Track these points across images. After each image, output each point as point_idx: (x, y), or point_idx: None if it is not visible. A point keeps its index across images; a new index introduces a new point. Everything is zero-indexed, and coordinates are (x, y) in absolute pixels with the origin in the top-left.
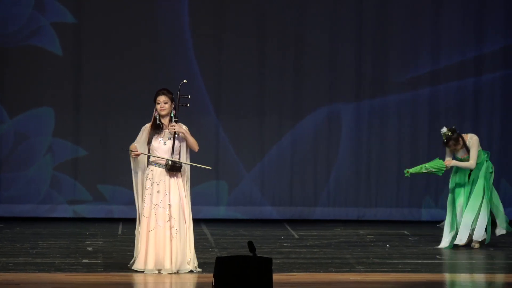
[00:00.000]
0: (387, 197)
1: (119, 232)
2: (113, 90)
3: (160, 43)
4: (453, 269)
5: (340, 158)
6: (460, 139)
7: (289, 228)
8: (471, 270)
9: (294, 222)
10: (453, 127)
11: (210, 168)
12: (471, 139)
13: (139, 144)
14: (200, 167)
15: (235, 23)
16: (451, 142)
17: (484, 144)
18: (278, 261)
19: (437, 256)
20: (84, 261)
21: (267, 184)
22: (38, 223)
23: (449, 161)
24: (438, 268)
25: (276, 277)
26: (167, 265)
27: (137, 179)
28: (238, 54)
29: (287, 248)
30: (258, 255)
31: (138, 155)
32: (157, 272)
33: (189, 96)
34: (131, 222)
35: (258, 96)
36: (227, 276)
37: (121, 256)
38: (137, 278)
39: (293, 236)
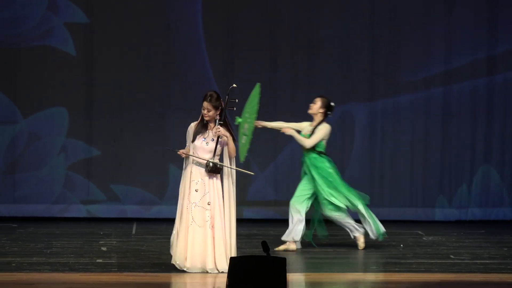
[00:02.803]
0: (400, 196)
1: (133, 232)
2: (126, 89)
3: (173, 42)
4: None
5: (353, 158)
6: (321, 114)
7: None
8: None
9: (309, 222)
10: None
11: (253, 173)
12: (324, 126)
13: (189, 143)
14: (242, 172)
15: (247, 24)
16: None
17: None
18: (293, 261)
19: (451, 256)
20: (98, 261)
21: (280, 184)
22: (52, 223)
23: (288, 129)
24: (452, 268)
25: (290, 276)
26: (209, 265)
27: (185, 179)
28: (251, 55)
29: (301, 248)
30: (272, 255)
31: (185, 155)
32: (198, 271)
33: (236, 100)
34: (144, 222)
35: (271, 95)
36: (241, 276)
37: (135, 256)
38: (151, 278)
39: (308, 236)
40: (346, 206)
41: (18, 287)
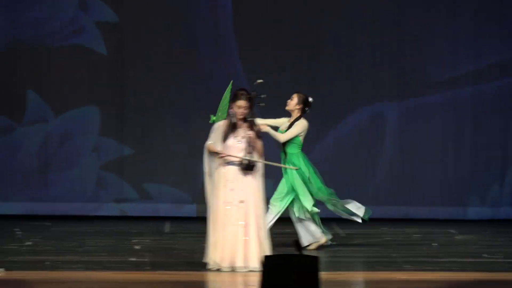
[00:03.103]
0: (432, 195)
1: (166, 230)
2: (157, 88)
3: (203, 40)
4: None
5: (384, 157)
6: (298, 107)
7: (336, 227)
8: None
9: (341, 221)
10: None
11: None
12: (301, 122)
13: (214, 141)
14: (279, 166)
15: (276, 24)
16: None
17: None
18: (325, 259)
19: (484, 255)
20: (131, 259)
21: None
22: (85, 221)
23: (264, 126)
24: (485, 266)
25: (323, 275)
26: (239, 263)
27: (211, 179)
28: (280, 54)
29: (333, 246)
30: (305, 253)
31: (224, 156)
32: (231, 270)
33: (263, 95)
34: (177, 220)
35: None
36: (274, 274)
37: (168, 254)
38: (184, 276)
39: (340, 234)
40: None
41: (51, 285)
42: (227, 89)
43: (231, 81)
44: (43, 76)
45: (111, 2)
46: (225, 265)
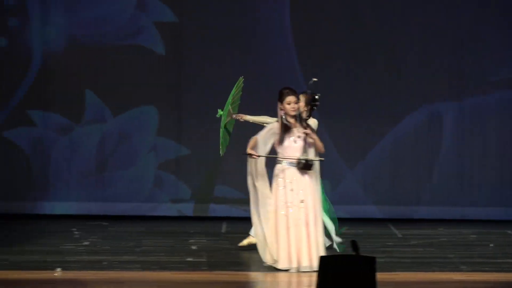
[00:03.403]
0: (489, 196)
1: (223, 230)
2: (214, 88)
3: (262, 40)
4: None
5: (441, 157)
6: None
7: (392, 228)
8: None
9: (397, 221)
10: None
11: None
12: (313, 122)
13: (261, 138)
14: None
15: (331, 23)
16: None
17: None
18: (382, 260)
19: None
20: (188, 259)
21: (369, 183)
22: (142, 221)
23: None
24: None
25: (379, 276)
26: (304, 263)
27: (253, 180)
28: (337, 55)
29: (390, 247)
30: (361, 254)
31: (255, 157)
32: (293, 270)
33: (318, 95)
34: (234, 220)
35: (358, 95)
36: (330, 275)
37: (225, 254)
38: (242, 277)
39: (396, 235)
40: None
41: (109, 285)
42: (236, 84)
43: (241, 77)
44: (101, 76)
45: (170, 2)
46: (287, 265)
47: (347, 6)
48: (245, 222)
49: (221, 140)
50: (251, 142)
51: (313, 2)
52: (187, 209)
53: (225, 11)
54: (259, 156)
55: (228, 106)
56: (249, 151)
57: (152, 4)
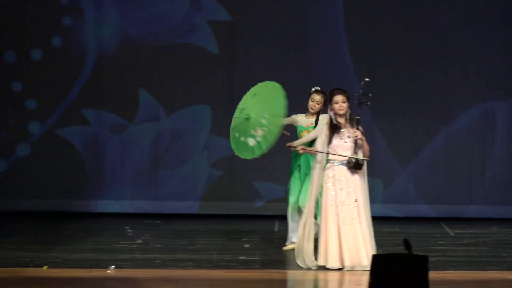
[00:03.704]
0: None
1: (276, 229)
2: None
3: (314, 40)
4: None
5: (495, 156)
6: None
7: (445, 226)
8: None
9: (450, 220)
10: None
11: (368, 158)
12: (323, 117)
13: (320, 146)
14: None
15: (384, 23)
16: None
17: None
18: (434, 259)
19: None
20: (241, 258)
21: (422, 182)
22: (195, 220)
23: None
24: None
25: (432, 275)
26: (364, 261)
27: (316, 177)
28: (390, 54)
29: (443, 246)
30: (414, 253)
31: (302, 151)
32: (348, 269)
33: (370, 94)
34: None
35: (411, 94)
36: (383, 273)
37: (277, 253)
38: (295, 275)
39: (449, 234)
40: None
41: (162, 283)
42: (272, 88)
43: (279, 85)
44: (155, 75)
45: (225, 2)
46: (337, 264)
47: (401, 6)
48: None
49: (258, 153)
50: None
51: (367, 1)
52: (240, 207)
53: (279, 11)
54: (305, 150)
55: (279, 120)
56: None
57: (206, 3)
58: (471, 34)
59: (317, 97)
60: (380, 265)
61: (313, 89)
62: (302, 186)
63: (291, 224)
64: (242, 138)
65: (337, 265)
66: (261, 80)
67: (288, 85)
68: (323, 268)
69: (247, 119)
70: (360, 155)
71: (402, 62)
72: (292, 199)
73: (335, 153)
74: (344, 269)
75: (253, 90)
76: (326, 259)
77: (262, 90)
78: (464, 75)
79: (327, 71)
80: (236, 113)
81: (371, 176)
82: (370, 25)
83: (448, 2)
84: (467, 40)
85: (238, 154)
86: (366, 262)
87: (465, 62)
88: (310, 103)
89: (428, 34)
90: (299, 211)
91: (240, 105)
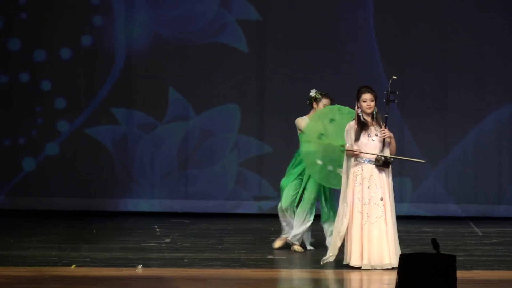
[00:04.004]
0: None
1: None
2: (297, 87)
3: (345, 39)
4: None
5: None
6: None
7: (473, 226)
8: None
9: (478, 219)
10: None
11: (423, 161)
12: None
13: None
14: (413, 161)
15: (415, 23)
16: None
17: None
18: (462, 258)
19: None
20: (269, 257)
21: (451, 181)
22: (224, 218)
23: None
24: None
25: (460, 274)
26: (386, 260)
27: (348, 178)
28: (419, 54)
29: (471, 245)
30: (442, 252)
31: (357, 154)
32: (371, 268)
33: (397, 92)
34: (316, 218)
35: (441, 94)
36: (411, 273)
37: (305, 252)
38: (323, 275)
39: (477, 233)
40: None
41: (190, 282)
42: (329, 112)
43: (331, 107)
44: (184, 74)
45: (254, 1)
46: (358, 263)
47: (430, 5)
48: None
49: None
50: (347, 152)
51: (397, 2)
52: (269, 206)
53: (308, 10)
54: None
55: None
56: (354, 150)
57: (236, 3)
58: (501, 33)
59: (327, 101)
60: (408, 264)
61: (318, 93)
62: (301, 194)
63: (283, 223)
64: (330, 167)
65: (357, 263)
66: (290, 79)
67: (317, 85)
68: (347, 266)
69: (333, 147)
70: (387, 153)
71: (432, 61)
72: (284, 204)
73: (362, 151)
74: (362, 267)
75: (328, 113)
76: (350, 257)
77: (340, 117)
78: (494, 75)
79: (357, 71)
80: (310, 136)
81: (399, 175)
82: (400, 24)
83: (479, 3)
84: (497, 40)
85: (321, 182)
86: (388, 261)
87: (496, 61)
88: (321, 107)
89: (459, 34)
90: (288, 212)
91: (314, 128)
